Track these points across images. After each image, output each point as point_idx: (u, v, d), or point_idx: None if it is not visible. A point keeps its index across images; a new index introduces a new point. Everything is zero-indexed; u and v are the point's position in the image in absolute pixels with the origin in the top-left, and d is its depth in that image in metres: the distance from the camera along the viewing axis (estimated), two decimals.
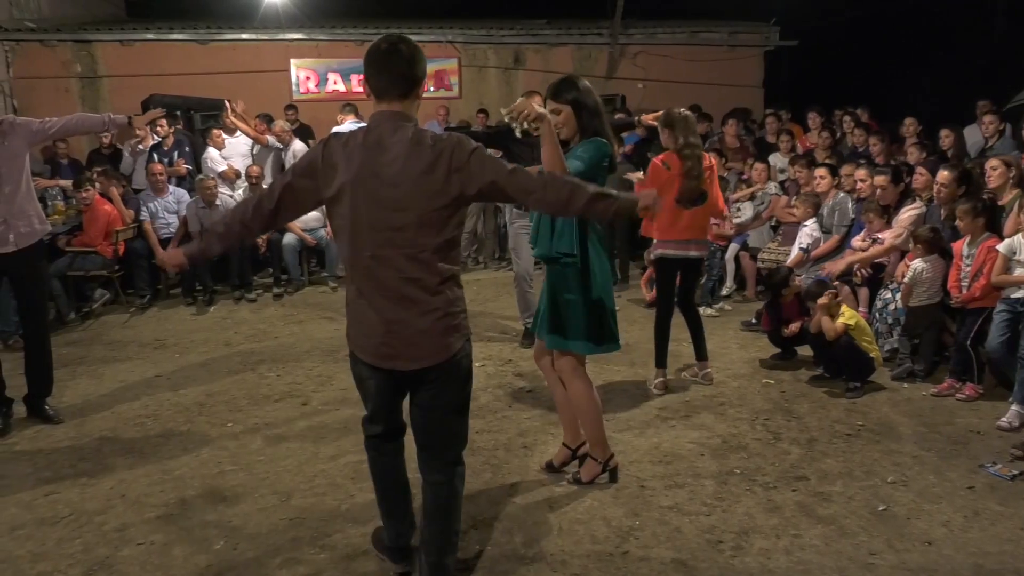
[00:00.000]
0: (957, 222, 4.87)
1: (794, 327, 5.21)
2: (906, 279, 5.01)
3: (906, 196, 5.80)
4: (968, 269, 4.73)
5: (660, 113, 4.81)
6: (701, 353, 5.00)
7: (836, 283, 5.51)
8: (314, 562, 3.02)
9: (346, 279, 2.54)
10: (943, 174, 5.26)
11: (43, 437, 4.35)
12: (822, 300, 4.85)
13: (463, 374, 2.67)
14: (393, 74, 2.42)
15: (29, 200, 4.52)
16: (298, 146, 8.83)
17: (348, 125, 9.11)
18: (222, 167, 8.64)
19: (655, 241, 4.86)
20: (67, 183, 8.21)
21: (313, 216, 8.16)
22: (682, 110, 4.72)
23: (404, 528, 2.87)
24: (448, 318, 2.54)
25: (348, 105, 9.67)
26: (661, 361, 4.90)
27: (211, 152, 8.73)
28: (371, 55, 2.44)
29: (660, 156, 4.71)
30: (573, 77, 3.40)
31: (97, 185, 7.47)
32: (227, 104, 9.04)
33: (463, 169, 2.38)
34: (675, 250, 4.75)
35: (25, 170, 4.50)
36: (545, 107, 3.21)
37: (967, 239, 4.80)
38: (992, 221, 4.80)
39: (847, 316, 4.81)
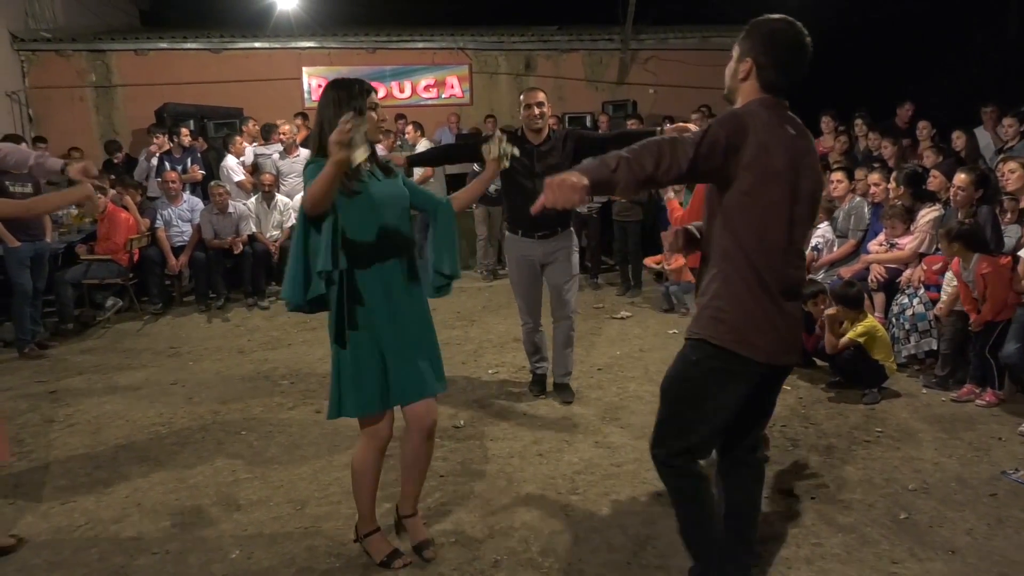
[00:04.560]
0: (940, 244, 4.82)
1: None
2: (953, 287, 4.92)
3: (924, 198, 5.73)
4: (975, 292, 4.67)
5: (686, 125, 4.51)
6: None
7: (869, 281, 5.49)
8: (330, 571, 3.00)
9: (735, 269, 2.29)
10: (960, 177, 5.20)
11: (58, 445, 4.36)
12: (830, 311, 4.81)
13: None
14: (803, 71, 2.30)
15: None
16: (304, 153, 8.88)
17: None
18: (239, 176, 8.67)
19: None
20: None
21: None
22: None
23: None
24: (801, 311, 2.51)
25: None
26: None
27: (229, 160, 8.75)
28: (800, 47, 2.27)
29: None
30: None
31: (111, 193, 7.53)
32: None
33: None
34: None
35: None
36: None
37: (959, 261, 4.74)
38: (973, 244, 4.65)
39: (860, 331, 4.74)
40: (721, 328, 2.30)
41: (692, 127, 4.34)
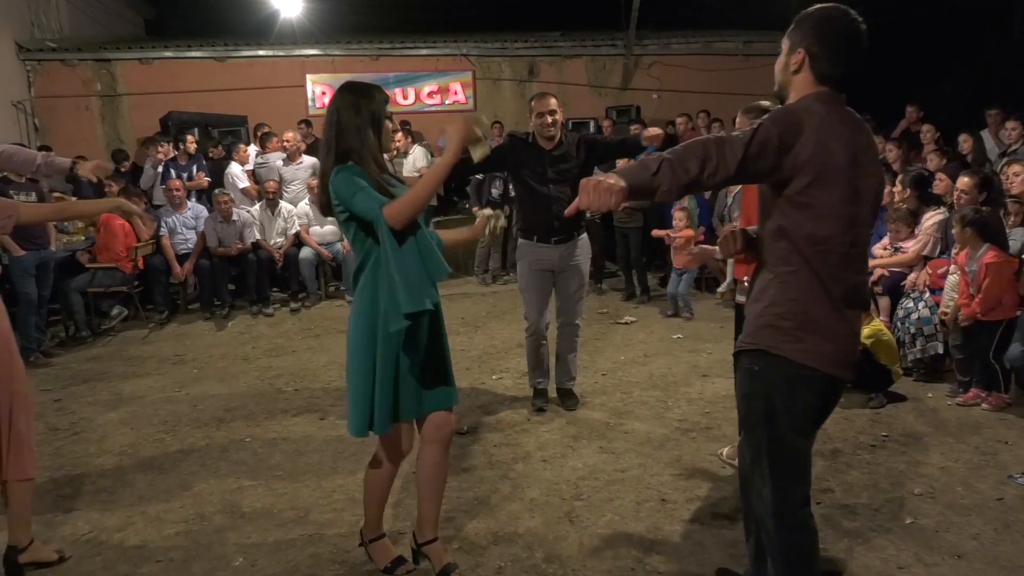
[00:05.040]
0: (953, 231, 4.80)
1: None
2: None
3: (928, 202, 5.71)
4: (972, 287, 4.65)
5: (658, 132, 4.34)
6: None
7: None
8: None
9: (792, 273, 2.16)
10: (963, 180, 5.18)
11: (63, 453, 4.37)
12: None
13: None
14: (860, 60, 2.18)
15: None
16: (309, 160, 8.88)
17: None
18: (244, 183, 8.70)
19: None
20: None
21: (330, 230, 8.21)
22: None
23: None
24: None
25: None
26: None
27: (234, 168, 8.77)
28: (854, 35, 2.15)
29: None
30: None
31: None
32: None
33: None
34: None
35: None
36: None
37: (967, 251, 4.72)
38: (987, 233, 4.64)
39: (866, 332, 4.70)
40: (778, 336, 2.17)
41: (659, 132, 4.28)
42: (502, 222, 3.10)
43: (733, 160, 2.01)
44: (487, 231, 3.08)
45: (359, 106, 2.65)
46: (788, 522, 2.26)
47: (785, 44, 2.25)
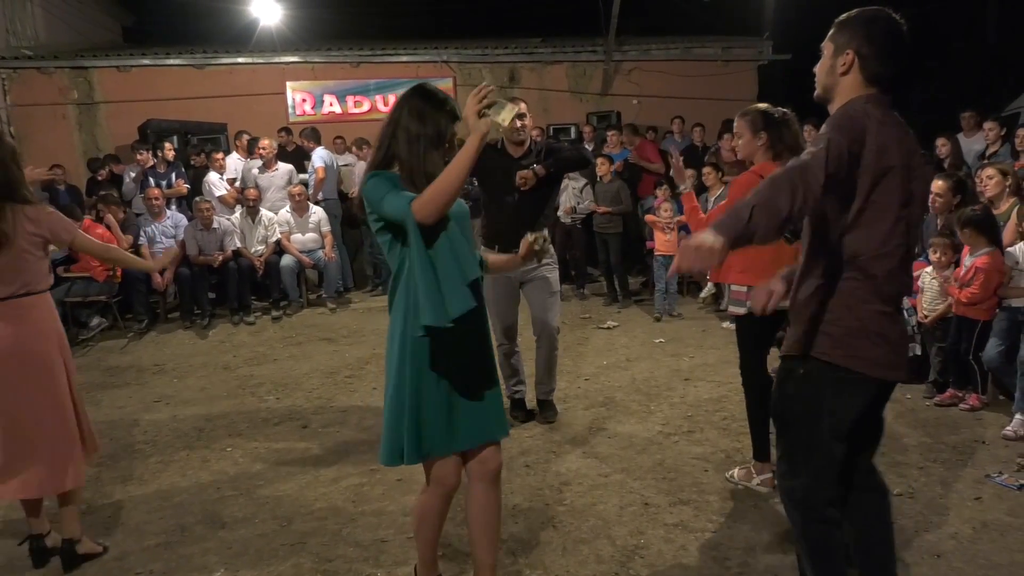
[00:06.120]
0: (959, 235, 4.86)
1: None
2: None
3: None
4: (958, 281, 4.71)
5: (528, 174, 4.19)
6: (763, 450, 3.67)
7: None
8: None
9: (846, 280, 2.16)
10: (938, 183, 5.24)
11: None
12: None
13: None
14: (906, 61, 2.18)
15: None
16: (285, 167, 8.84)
17: (320, 151, 9.09)
18: (222, 191, 8.65)
19: (746, 289, 3.49)
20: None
21: (311, 238, 8.18)
22: (780, 109, 3.56)
23: None
24: None
25: (313, 130, 9.59)
26: (763, 453, 3.66)
27: (211, 176, 8.73)
28: (901, 35, 2.16)
29: (755, 168, 3.50)
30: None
31: (94, 212, 7.50)
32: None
33: None
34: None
35: None
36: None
37: (970, 248, 4.78)
38: (985, 229, 4.65)
39: None
40: (828, 343, 2.18)
41: (529, 174, 4.17)
42: (548, 243, 3.00)
43: (817, 185, 1.99)
44: (535, 253, 2.90)
45: (424, 115, 2.41)
46: (814, 514, 2.30)
47: (828, 48, 2.25)
